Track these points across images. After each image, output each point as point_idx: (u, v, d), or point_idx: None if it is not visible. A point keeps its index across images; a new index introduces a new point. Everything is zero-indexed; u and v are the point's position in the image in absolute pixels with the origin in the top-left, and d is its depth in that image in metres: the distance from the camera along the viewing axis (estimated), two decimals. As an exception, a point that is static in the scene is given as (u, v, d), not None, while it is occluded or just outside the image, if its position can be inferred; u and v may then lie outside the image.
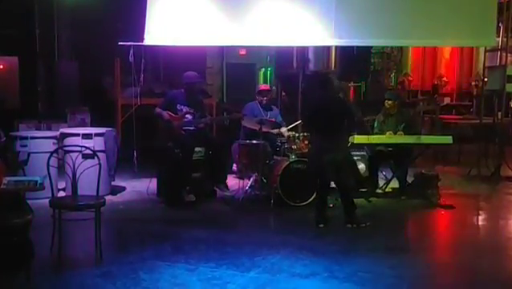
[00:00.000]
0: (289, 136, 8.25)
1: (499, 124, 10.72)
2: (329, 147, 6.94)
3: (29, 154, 7.84)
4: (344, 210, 7.05)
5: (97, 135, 8.09)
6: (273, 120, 8.51)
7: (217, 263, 5.52)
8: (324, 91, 7.29)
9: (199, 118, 8.24)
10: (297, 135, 8.16)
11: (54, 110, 10.88)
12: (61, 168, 7.46)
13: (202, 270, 5.35)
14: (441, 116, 13.05)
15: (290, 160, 7.82)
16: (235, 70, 12.61)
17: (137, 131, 9.18)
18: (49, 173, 5.61)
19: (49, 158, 5.72)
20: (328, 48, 10.85)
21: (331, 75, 7.38)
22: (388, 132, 8.36)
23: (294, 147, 8.01)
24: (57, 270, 5.37)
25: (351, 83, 10.37)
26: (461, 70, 14.94)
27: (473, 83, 14.63)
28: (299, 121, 8.79)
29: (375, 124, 8.72)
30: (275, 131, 8.53)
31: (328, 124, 6.97)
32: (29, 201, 5.47)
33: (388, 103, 8.60)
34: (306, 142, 7.99)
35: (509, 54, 10.42)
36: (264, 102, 8.77)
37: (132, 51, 8.45)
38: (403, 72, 14.96)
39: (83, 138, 7.93)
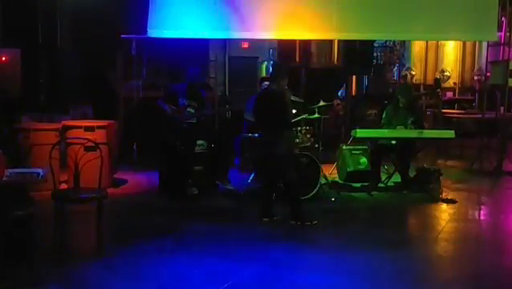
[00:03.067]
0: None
1: (501, 119, 10.71)
2: (270, 141, 6.80)
3: (31, 146, 7.84)
4: (290, 206, 6.84)
5: (99, 127, 8.09)
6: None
7: (219, 256, 5.53)
8: (272, 83, 7.14)
9: (201, 111, 8.24)
10: (299, 128, 8.15)
11: (56, 102, 10.86)
12: (63, 160, 7.46)
13: (204, 263, 5.36)
14: (444, 111, 13.04)
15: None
16: (238, 63, 12.59)
17: (139, 124, 9.20)
18: (51, 166, 5.60)
19: (51, 150, 5.73)
20: (331, 42, 10.83)
21: (282, 69, 7.25)
22: (398, 127, 8.33)
23: (296, 140, 7.99)
24: (59, 261, 5.37)
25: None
26: (463, 64, 14.88)
27: (476, 78, 14.59)
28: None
29: (384, 116, 8.68)
30: None
31: (270, 117, 6.86)
32: (31, 194, 5.49)
33: (401, 100, 8.54)
34: (308, 136, 7.98)
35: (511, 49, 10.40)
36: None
37: (134, 44, 8.47)
38: (405, 66, 14.92)
39: (85, 130, 7.93)
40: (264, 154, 6.90)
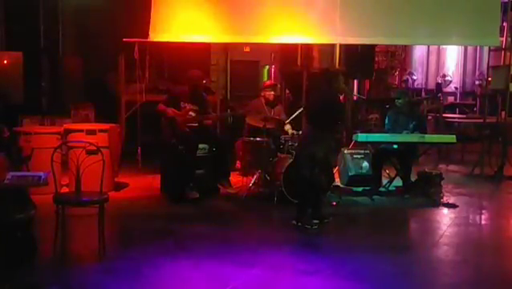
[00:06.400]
0: (292, 134, 8.25)
1: (503, 124, 10.71)
2: (312, 141, 6.79)
3: (32, 149, 7.85)
4: (297, 206, 6.81)
5: (101, 131, 8.09)
6: (277, 117, 8.52)
7: (220, 260, 5.53)
8: (327, 87, 7.23)
9: (203, 115, 8.25)
10: (300, 132, 8.15)
11: (58, 105, 10.89)
12: (65, 163, 7.47)
13: (205, 267, 5.36)
14: (445, 115, 13.06)
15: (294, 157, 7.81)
16: (239, 67, 12.61)
17: (141, 127, 9.21)
18: (52, 169, 5.61)
19: (53, 154, 5.73)
20: (333, 46, 10.84)
21: (340, 75, 7.29)
22: (405, 131, 8.33)
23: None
24: (60, 265, 5.38)
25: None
26: (464, 69, 14.92)
27: (477, 83, 14.62)
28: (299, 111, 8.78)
29: (387, 121, 8.69)
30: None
31: (319, 118, 6.85)
32: (32, 197, 5.49)
33: (398, 101, 8.57)
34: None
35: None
36: (272, 97, 8.81)
37: (136, 48, 8.49)
38: (407, 71, 14.96)
39: (86, 134, 7.93)
40: (303, 151, 6.85)
